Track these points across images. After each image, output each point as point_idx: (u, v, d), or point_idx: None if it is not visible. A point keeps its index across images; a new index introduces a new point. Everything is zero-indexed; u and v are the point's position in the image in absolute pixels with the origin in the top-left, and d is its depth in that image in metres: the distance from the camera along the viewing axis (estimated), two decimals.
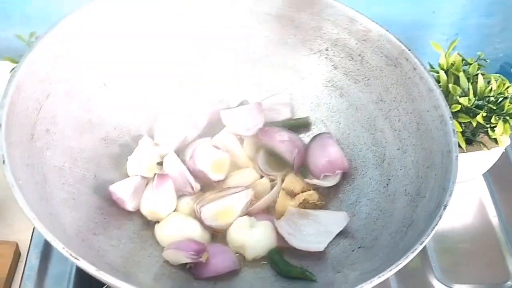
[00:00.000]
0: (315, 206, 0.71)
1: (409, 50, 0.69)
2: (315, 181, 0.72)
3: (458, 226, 0.80)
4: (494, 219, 0.81)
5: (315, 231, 0.67)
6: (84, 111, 0.68)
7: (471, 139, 0.75)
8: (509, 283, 0.74)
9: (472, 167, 0.80)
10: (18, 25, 0.86)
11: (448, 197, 0.57)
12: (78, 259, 0.49)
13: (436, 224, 0.55)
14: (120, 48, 0.72)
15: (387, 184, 0.68)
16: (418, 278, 0.74)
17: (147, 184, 0.69)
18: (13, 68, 0.61)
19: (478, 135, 0.76)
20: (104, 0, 0.69)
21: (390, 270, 0.52)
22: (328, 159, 0.72)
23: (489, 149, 0.74)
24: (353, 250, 0.64)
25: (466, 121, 0.71)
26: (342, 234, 0.67)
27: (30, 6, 0.86)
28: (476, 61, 0.76)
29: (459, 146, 0.71)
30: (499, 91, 0.72)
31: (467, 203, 0.83)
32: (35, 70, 0.62)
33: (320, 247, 0.65)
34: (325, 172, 0.70)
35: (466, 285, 0.74)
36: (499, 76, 0.74)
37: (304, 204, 0.70)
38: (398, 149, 0.69)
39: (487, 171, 0.83)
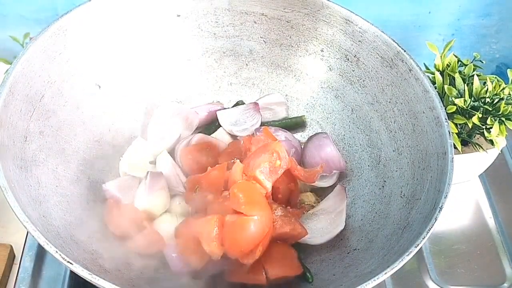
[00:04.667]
0: (312, 207, 0.71)
1: (405, 51, 0.69)
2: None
3: (454, 228, 0.79)
4: (490, 221, 0.81)
5: (328, 220, 0.68)
6: (78, 113, 0.68)
7: (467, 140, 0.75)
8: (505, 285, 0.74)
9: (468, 169, 0.80)
10: (13, 26, 0.86)
11: (443, 199, 0.57)
12: (71, 263, 0.49)
13: (432, 227, 0.54)
14: (114, 50, 0.72)
15: (383, 186, 0.68)
16: (414, 279, 0.74)
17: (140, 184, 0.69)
18: (7, 70, 0.61)
19: (474, 136, 0.75)
20: (98, 2, 0.69)
21: (386, 273, 0.52)
22: (325, 159, 0.72)
23: (485, 151, 0.74)
24: (348, 253, 0.64)
25: (461, 122, 0.71)
26: (337, 236, 0.67)
27: (24, 7, 0.85)
28: (471, 62, 0.75)
29: (455, 147, 0.71)
30: (495, 92, 0.71)
31: (463, 204, 0.83)
32: (29, 72, 0.62)
33: (340, 227, 0.67)
34: (322, 172, 0.70)
35: (462, 287, 0.73)
36: (495, 77, 0.74)
37: (301, 205, 0.70)
38: (393, 151, 0.69)
39: (483, 172, 0.83)
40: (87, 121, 0.69)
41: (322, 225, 0.68)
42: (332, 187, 0.72)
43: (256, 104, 0.77)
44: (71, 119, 0.67)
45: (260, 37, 0.77)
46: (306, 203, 0.71)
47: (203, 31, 0.77)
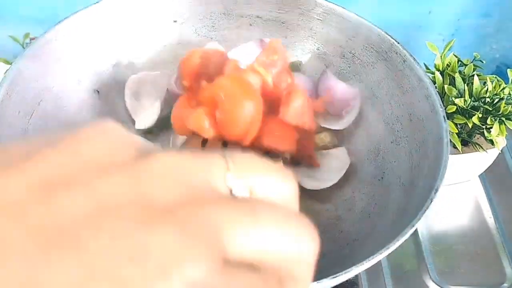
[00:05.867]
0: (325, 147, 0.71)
1: (398, 43, 0.69)
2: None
3: (454, 228, 0.79)
4: (490, 221, 0.80)
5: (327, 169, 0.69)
6: (76, 118, 0.68)
7: (467, 140, 0.75)
8: (505, 285, 0.73)
9: (468, 169, 0.80)
10: (12, 26, 0.86)
11: (439, 181, 0.56)
12: None
13: (428, 208, 0.54)
14: (111, 56, 0.72)
15: (382, 177, 0.68)
16: (414, 280, 0.73)
17: None
18: (6, 71, 0.61)
19: (474, 137, 0.75)
20: (99, 6, 0.69)
21: (380, 253, 0.51)
22: (341, 94, 0.72)
23: (485, 151, 0.74)
24: (347, 244, 0.64)
25: (461, 122, 0.71)
26: (337, 229, 0.67)
27: (24, 7, 0.85)
28: (472, 62, 0.75)
29: (455, 147, 0.71)
30: (495, 92, 0.71)
31: (463, 204, 0.82)
32: (27, 75, 0.61)
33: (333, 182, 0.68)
34: (344, 108, 0.70)
35: (462, 287, 0.73)
36: (495, 77, 0.74)
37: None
38: (391, 142, 0.69)
39: (483, 172, 0.83)
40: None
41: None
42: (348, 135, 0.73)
43: (262, 40, 0.76)
44: (69, 124, 0.66)
45: (256, 39, 0.77)
46: (320, 144, 0.71)
47: (200, 36, 0.77)
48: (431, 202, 0.54)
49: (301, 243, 0.22)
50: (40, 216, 0.18)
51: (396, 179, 0.66)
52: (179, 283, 0.17)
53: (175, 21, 0.75)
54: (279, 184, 0.23)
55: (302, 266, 0.22)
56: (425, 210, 0.54)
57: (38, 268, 0.16)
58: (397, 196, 0.64)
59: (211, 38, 0.77)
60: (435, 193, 0.55)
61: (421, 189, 0.60)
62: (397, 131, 0.68)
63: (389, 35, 0.70)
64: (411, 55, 0.67)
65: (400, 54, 0.68)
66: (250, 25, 0.76)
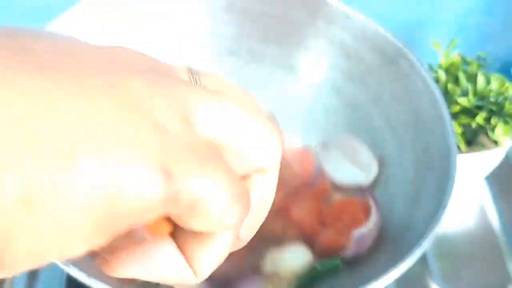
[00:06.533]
0: None
1: (406, 47, 0.68)
2: None
3: (458, 230, 0.79)
4: (495, 223, 0.79)
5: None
6: None
7: (471, 140, 0.74)
8: (510, 287, 0.73)
9: (472, 170, 0.79)
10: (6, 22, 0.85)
11: (447, 197, 0.55)
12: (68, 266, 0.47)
13: (437, 227, 0.53)
14: None
15: (386, 187, 0.67)
16: (417, 283, 0.73)
17: None
18: None
19: (479, 137, 0.74)
20: (85, 4, 0.67)
21: (387, 277, 0.50)
22: None
23: (489, 151, 0.73)
24: (349, 262, 0.63)
25: (465, 122, 0.70)
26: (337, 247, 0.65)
27: (22, 5, 0.85)
28: (476, 61, 0.75)
29: (459, 148, 0.70)
30: (499, 91, 0.71)
31: (467, 206, 0.82)
32: None
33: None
34: None
35: None
36: (499, 76, 0.73)
37: None
38: (396, 149, 0.68)
39: (488, 173, 0.82)
40: None
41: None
42: None
43: None
44: None
45: (260, 36, 0.76)
46: None
47: (201, 32, 0.76)
48: (440, 221, 0.53)
49: (265, 135, 0.23)
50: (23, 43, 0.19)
51: (401, 189, 0.65)
52: (155, 122, 0.19)
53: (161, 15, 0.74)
54: (242, 97, 0.26)
55: (268, 156, 0.24)
56: (434, 229, 0.53)
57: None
58: (401, 208, 0.63)
59: (212, 34, 0.76)
60: (444, 211, 0.54)
61: (426, 203, 0.59)
62: (402, 137, 0.67)
63: (397, 38, 0.69)
64: (419, 61, 0.66)
65: (407, 59, 0.67)
66: (254, 21, 0.75)
